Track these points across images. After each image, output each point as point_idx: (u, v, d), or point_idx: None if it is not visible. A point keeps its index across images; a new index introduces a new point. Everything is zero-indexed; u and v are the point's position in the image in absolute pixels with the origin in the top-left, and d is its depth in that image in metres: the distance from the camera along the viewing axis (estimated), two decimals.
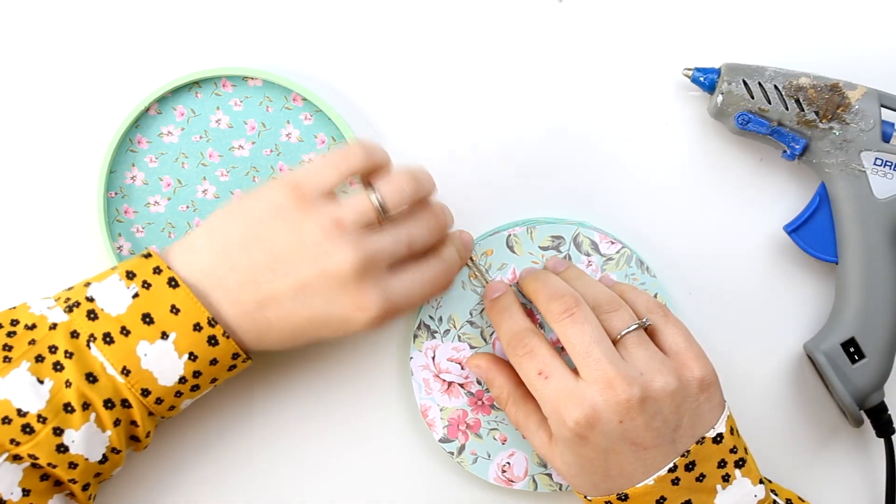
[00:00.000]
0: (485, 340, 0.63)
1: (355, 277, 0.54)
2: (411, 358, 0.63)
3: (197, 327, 0.53)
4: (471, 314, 0.63)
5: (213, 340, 0.54)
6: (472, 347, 0.63)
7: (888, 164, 0.57)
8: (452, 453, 0.63)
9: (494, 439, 0.63)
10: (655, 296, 0.63)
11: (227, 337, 0.54)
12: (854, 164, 0.56)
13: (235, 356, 0.55)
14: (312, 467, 0.64)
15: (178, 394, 0.55)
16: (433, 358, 0.63)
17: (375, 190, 0.56)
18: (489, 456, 0.63)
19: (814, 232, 0.60)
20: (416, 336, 0.63)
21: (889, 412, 0.62)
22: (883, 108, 0.59)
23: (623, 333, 0.56)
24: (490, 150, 0.64)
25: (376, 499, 0.64)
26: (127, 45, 0.64)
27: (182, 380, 0.54)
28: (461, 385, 0.63)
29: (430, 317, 0.63)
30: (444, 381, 0.63)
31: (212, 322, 0.53)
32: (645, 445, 0.54)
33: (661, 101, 0.65)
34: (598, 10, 0.65)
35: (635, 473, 0.55)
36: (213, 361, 0.54)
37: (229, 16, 0.64)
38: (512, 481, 0.63)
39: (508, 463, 0.63)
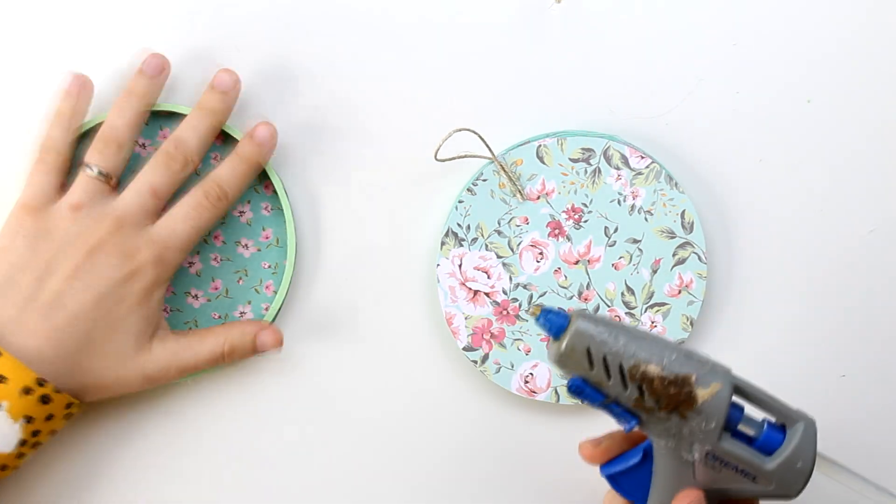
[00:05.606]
0: (512, 250, 0.62)
1: (112, 239, 0.55)
2: (438, 265, 0.62)
3: (27, 391, 0.54)
4: (499, 223, 0.62)
5: (45, 399, 0.54)
6: (498, 257, 0.62)
7: (717, 458, 0.52)
8: (476, 362, 0.63)
9: (518, 350, 0.63)
10: (683, 212, 0.63)
11: (59, 391, 0.54)
12: (684, 451, 0.52)
13: (69, 405, 0.56)
14: (331, 372, 0.64)
15: (21, 455, 0.55)
16: (460, 266, 0.62)
17: (88, 164, 0.57)
18: (512, 366, 0.63)
19: (632, 481, 0.55)
20: (443, 243, 0.62)
21: None
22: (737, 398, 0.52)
23: None
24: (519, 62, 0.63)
25: (397, 407, 0.64)
26: None
27: (22, 442, 0.55)
28: (487, 294, 0.63)
29: (458, 224, 0.62)
30: (470, 289, 0.63)
31: (41, 382, 0.54)
32: None
33: None
34: None
35: None
36: (49, 416, 0.55)
37: None
38: (534, 392, 0.63)
39: (531, 374, 0.63)
